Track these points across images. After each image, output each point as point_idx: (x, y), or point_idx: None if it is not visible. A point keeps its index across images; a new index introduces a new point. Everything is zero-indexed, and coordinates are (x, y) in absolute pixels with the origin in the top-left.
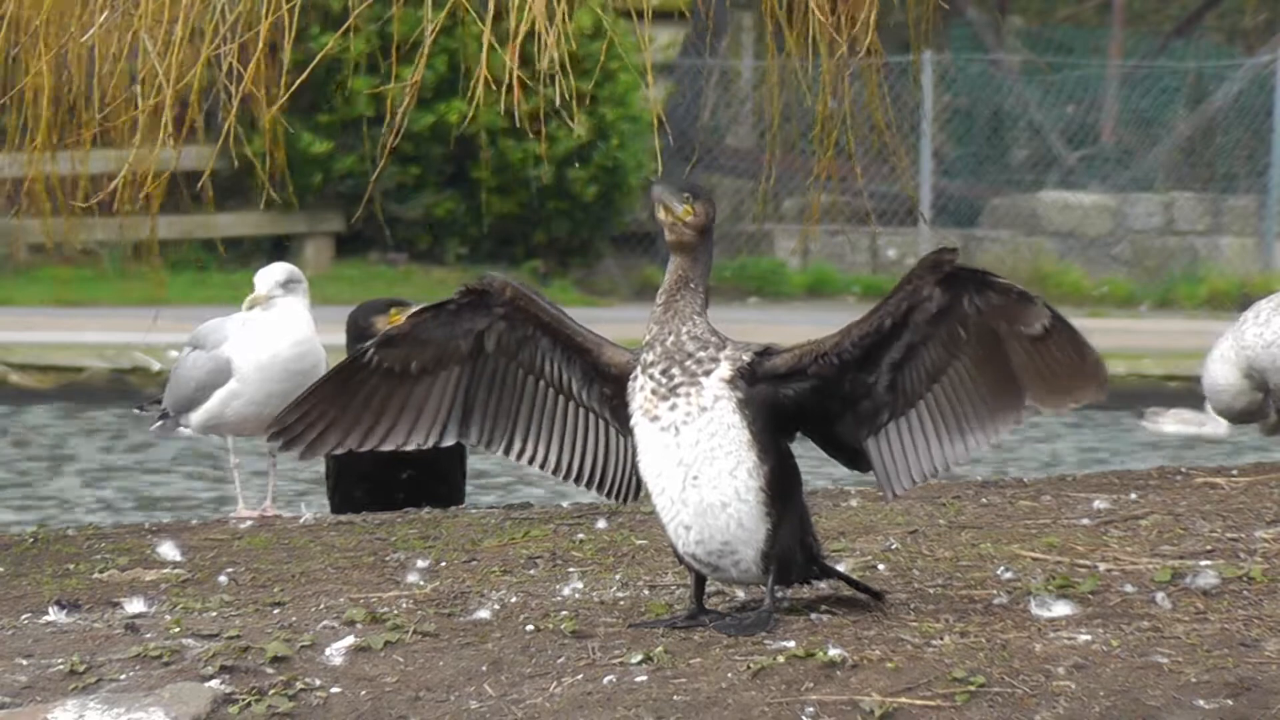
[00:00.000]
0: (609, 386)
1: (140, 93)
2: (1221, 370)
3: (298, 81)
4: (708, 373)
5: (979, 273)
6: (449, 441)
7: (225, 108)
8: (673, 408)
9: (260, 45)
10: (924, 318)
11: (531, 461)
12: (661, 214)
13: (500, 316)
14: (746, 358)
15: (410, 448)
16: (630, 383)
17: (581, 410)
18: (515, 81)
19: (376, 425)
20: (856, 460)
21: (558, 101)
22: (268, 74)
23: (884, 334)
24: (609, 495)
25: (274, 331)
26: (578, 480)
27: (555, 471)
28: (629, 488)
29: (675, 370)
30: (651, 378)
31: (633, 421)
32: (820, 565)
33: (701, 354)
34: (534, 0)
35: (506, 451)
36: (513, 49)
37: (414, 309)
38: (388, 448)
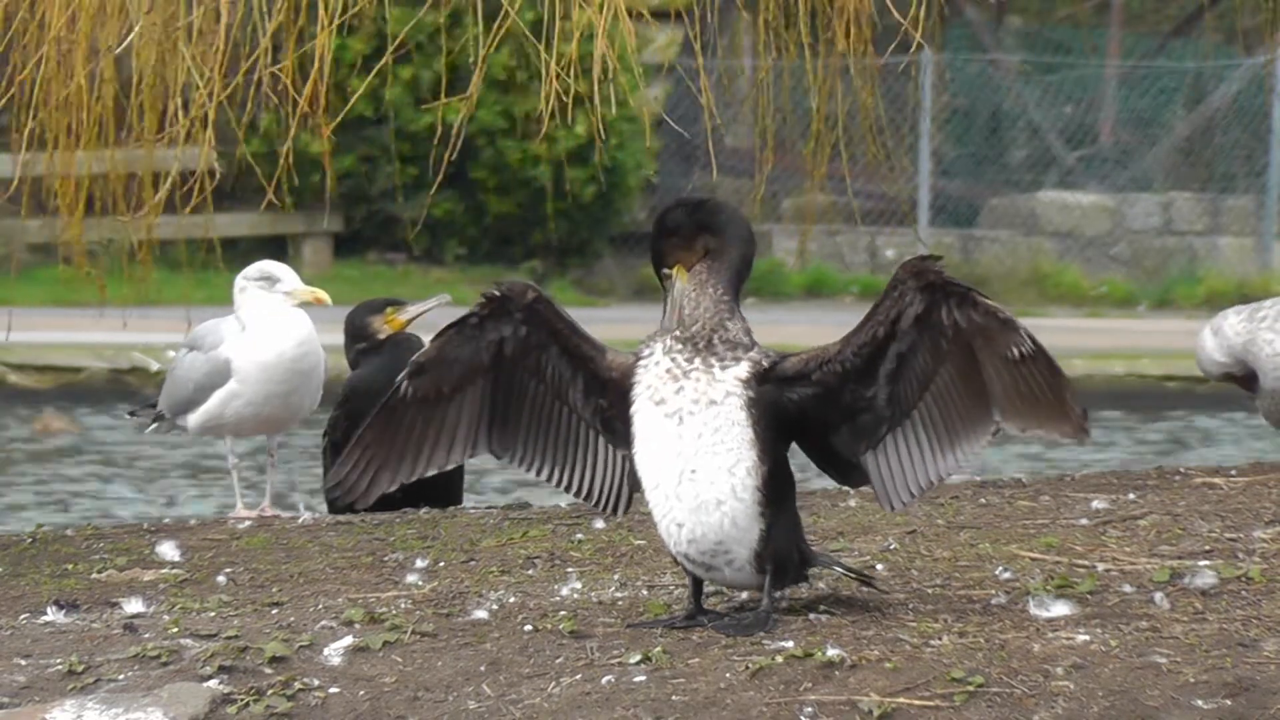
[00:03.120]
0: (606, 397)
1: (179, 102)
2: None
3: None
4: (725, 368)
5: (965, 289)
6: (480, 454)
7: (232, 110)
8: (679, 391)
9: (289, 57)
10: (909, 325)
11: (529, 469)
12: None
13: (520, 322)
14: (766, 362)
15: (450, 467)
16: (638, 368)
17: (576, 420)
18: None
19: (420, 454)
20: (850, 474)
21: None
22: (296, 82)
23: (880, 342)
24: (597, 506)
25: (278, 332)
26: (569, 489)
27: (550, 480)
28: (618, 499)
29: (697, 360)
30: (672, 359)
31: (634, 409)
32: (821, 561)
33: (728, 353)
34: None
35: (512, 459)
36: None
37: (413, 309)
38: (431, 472)
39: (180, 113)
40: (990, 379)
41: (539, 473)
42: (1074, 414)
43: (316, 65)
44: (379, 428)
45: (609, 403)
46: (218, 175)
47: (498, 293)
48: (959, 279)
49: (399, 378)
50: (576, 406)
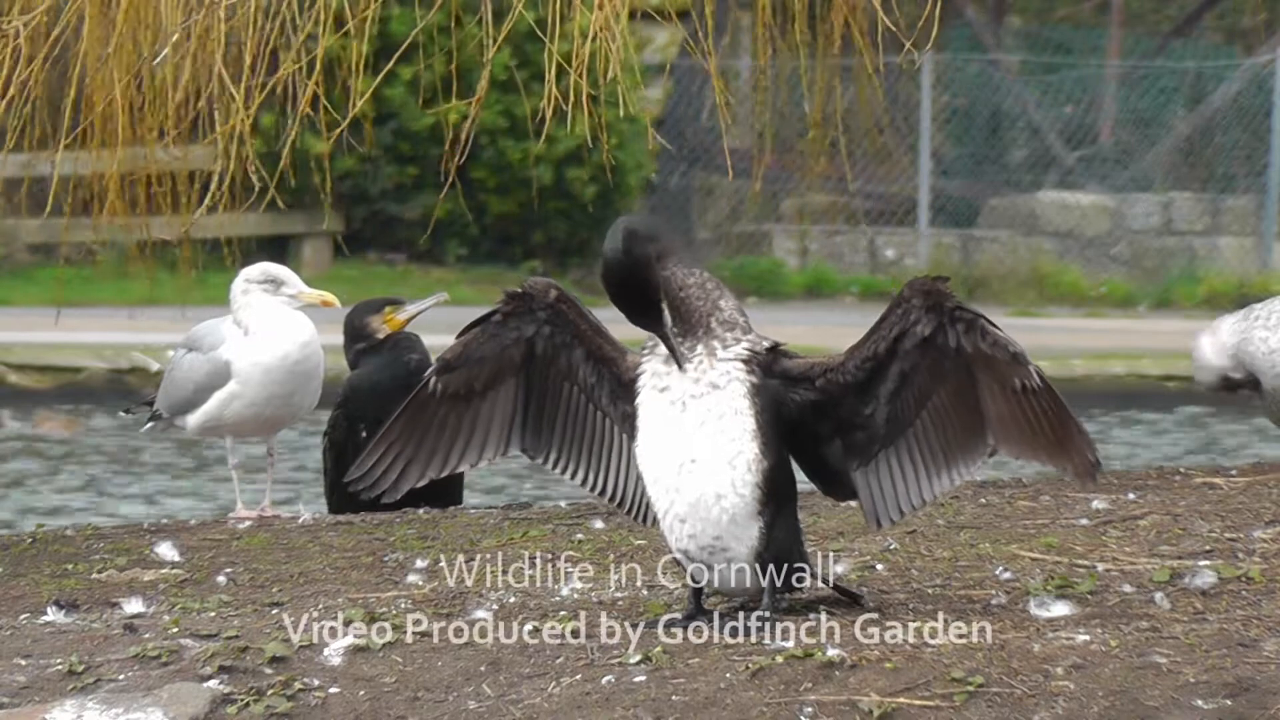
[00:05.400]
0: (629, 402)
1: (216, 103)
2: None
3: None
4: (727, 347)
5: (974, 315)
6: (513, 453)
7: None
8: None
9: (318, 67)
10: (913, 346)
11: (561, 470)
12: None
13: (545, 321)
14: (767, 344)
15: (481, 466)
16: (643, 358)
17: (608, 423)
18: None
19: (451, 450)
20: (835, 487)
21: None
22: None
23: (884, 359)
24: (629, 513)
25: (281, 334)
26: (602, 494)
27: (581, 483)
28: (646, 507)
29: (700, 347)
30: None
31: (639, 399)
32: (817, 570)
33: (727, 334)
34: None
35: (544, 460)
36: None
37: (411, 308)
38: (462, 469)
39: (204, 115)
40: (986, 403)
41: (571, 475)
42: (1082, 454)
43: (318, 70)
44: (406, 422)
45: (631, 408)
46: (227, 176)
47: (520, 290)
48: (969, 304)
49: (427, 373)
50: (607, 410)
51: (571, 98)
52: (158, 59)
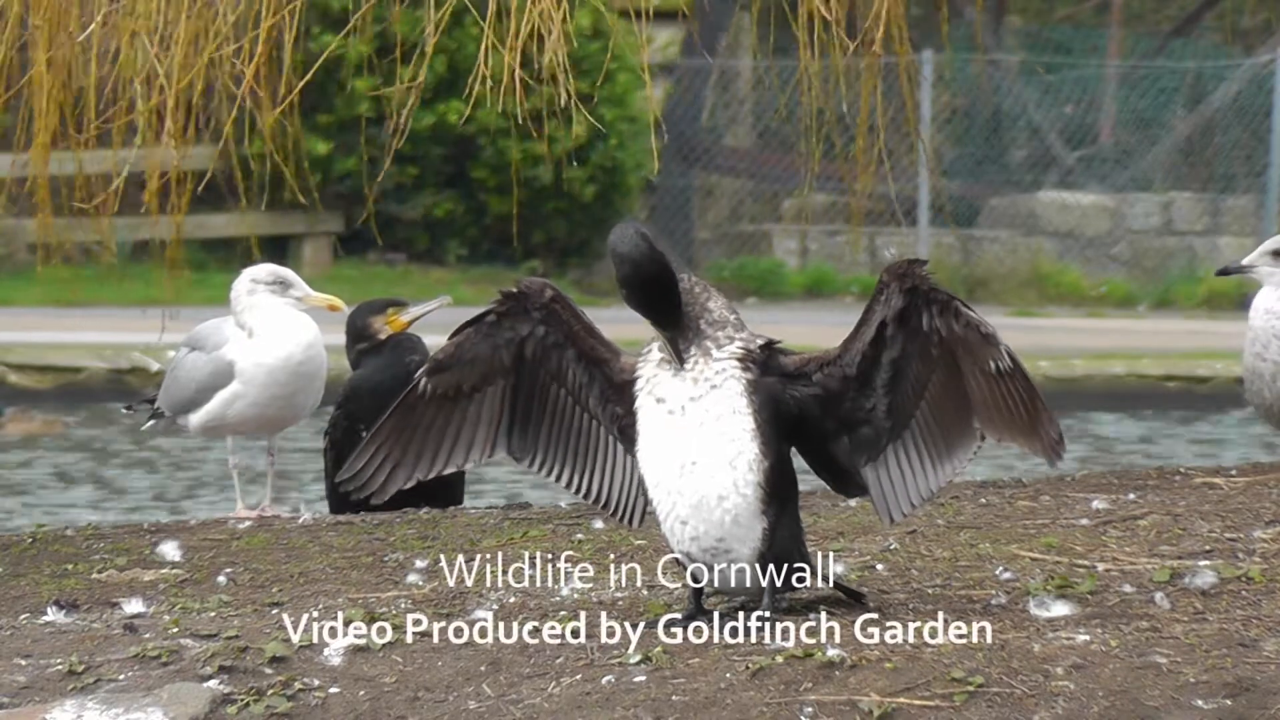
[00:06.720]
0: (621, 404)
1: (140, 93)
2: None
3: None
4: (721, 346)
5: (947, 296)
6: (499, 456)
7: (224, 108)
8: (678, 378)
9: (261, 48)
10: (895, 330)
11: (548, 473)
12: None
13: (539, 321)
14: (760, 341)
15: (469, 467)
16: (639, 364)
17: (595, 425)
18: (518, 81)
19: (438, 452)
20: (846, 484)
21: (563, 99)
22: (270, 75)
23: (873, 348)
24: (614, 515)
25: (285, 335)
26: (587, 496)
27: (569, 487)
28: (633, 509)
29: (693, 348)
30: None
31: (637, 404)
32: (819, 570)
33: (719, 334)
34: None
35: (531, 463)
36: (514, 46)
37: (415, 310)
38: (449, 471)
39: (139, 102)
40: (970, 387)
41: (557, 478)
42: (1048, 436)
43: (261, 49)
44: (396, 423)
45: (623, 409)
46: (187, 175)
47: (515, 290)
48: (942, 286)
49: (418, 374)
50: (595, 412)
51: (507, 76)
52: (82, 34)
